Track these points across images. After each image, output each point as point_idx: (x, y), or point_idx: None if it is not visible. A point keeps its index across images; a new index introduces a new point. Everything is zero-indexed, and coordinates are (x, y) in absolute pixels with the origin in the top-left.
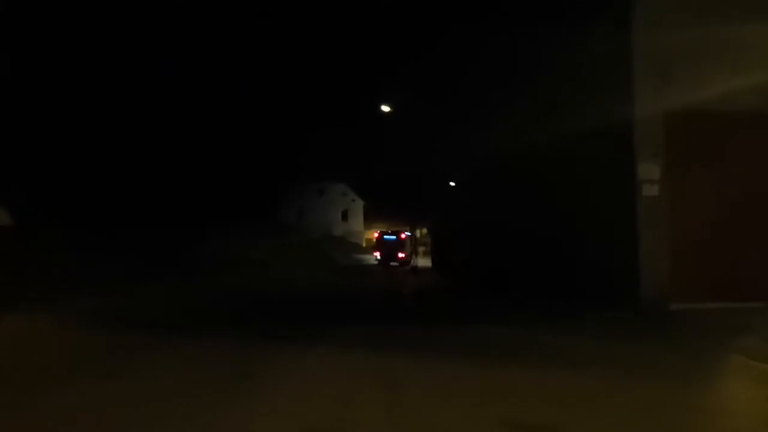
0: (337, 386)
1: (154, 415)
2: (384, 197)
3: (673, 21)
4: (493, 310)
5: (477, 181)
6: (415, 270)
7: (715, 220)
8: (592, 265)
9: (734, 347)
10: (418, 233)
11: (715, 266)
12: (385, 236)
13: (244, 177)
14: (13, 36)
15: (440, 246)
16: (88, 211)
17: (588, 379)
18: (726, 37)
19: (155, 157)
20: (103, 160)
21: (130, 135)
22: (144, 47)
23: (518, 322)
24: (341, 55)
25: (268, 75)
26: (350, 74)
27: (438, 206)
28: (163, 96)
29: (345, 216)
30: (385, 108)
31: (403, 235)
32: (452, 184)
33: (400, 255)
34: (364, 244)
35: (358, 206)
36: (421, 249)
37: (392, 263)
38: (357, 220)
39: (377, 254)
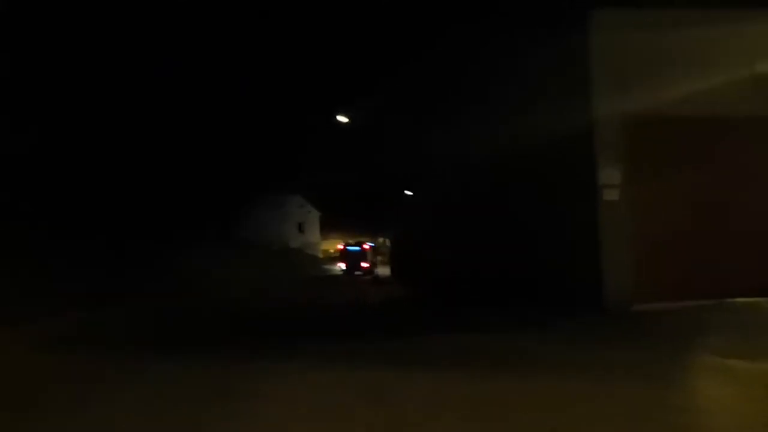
0: (319, 402)
1: None
2: (340, 208)
3: (631, 26)
4: (460, 319)
5: (437, 190)
6: (377, 279)
7: (674, 223)
8: (554, 269)
9: (702, 345)
10: (377, 243)
11: (673, 267)
12: (348, 248)
13: (197, 190)
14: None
15: (400, 255)
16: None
17: (570, 384)
18: (685, 42)
19: (99, 166)
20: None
21: (67, 137)
22: (102, 55)
23: (487, 331)
24: (296, 65)
25: (221, 86)
26: (305, 85)
27: (396, 216)
28: (113, 102)
29: (302, 228)
30: (342, 118)
31: (366, 246)
32: (409, 193)
33: (364, 265)
34: (321, 256)
35: (315, 218)
36: (378, 258)
37: (356, 272)
38: (314, 232)
39: (342, 265)
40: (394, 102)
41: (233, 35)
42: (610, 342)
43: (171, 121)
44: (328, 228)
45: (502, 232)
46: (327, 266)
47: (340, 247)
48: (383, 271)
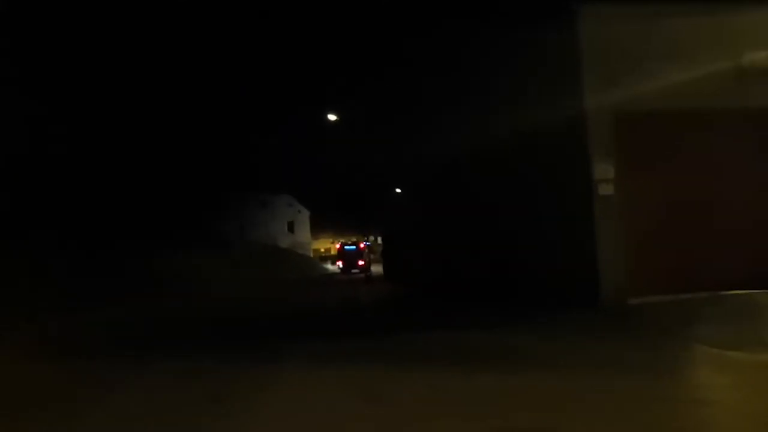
0: (318, 400)
1: None
2: (330, 207)
3: (621, 21)
4: (455, 316)
5: (427, 187)
6: (369, 278)
7: (666, 217)
8: (549, 265)
9: (695, 337)
10: (371, 242)
11: (667, 261)
12: (346, 247)
13: (180, 190)
14: None
15: (392, 253)
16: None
17: (568, 379)
18: (675, 37)
19: (80, 165)
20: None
21: (44, 134)
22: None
23: (483, 328)
24: (284, 62)
25: (206, 80)
26: (293, 82)
27: (387, 214)
28: (94, 98)
29: (291, 227)
30: (332, 116)
31: (362, 245)
32: (398, 191)
33: (360, 263)
34: (311, 255)
35: (305, 217)
36: (371, 257)
37: (353, 270)
38: (304, 232)
39: (340, 263)
40: (382, 99)
41: (223, 34)
42: (606, 337)
43: (154, 121)
44: (319, 227)
45: (495, 229)
46: (323, 265)
47: (337, 246)
48: (376, 269)
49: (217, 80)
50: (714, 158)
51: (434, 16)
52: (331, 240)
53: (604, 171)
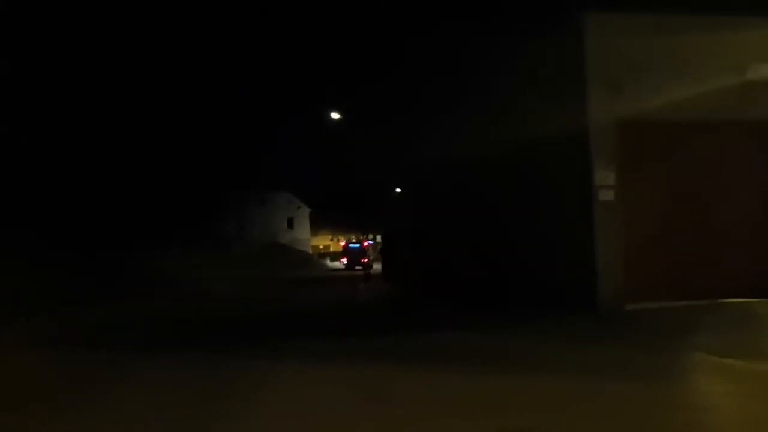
0: (318, 400)
1: None
2: (330, 205)
3: (624, 32)
4: (454, 317)
5: (427, 188)
6: (367, 277)
7: (665, 224)
8: (548, 269)
9: (693, 344)
10: (375, 240)
11: (665, 267)
12: (350, 245)
13: (180, 190)
14: None
15: (391, 253)
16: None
17: (568, 383)
18: (676, 48)
19: (77, 163)
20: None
21: (43, 131)
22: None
23: (483, 330)
24: (284, 61)
25: (205, 78)
26: (294, 81)
27: (386, 213)
28: (90, 95)
29: (291, 224)
30: (335, 115)
31: (365, 244)
32: (398, 191)
33: (364, 260)
34: (310, 251)
35: (304, 213)
36: (372, 255)
37: (357, 267)
38: (303, 228)
39: (344, 260)
40: (384, 99)
41: (223, 33)
42: (603, 342)
43: (154, 121)
44: (319, 224)
45: (495, 231)
46: (322, 261)
47: (342, 244)
48: (376, 267)
49: (218, 79)
50: (715, 168)
51: (438, 19)
52: (330, 237)
53: (604, 177)
